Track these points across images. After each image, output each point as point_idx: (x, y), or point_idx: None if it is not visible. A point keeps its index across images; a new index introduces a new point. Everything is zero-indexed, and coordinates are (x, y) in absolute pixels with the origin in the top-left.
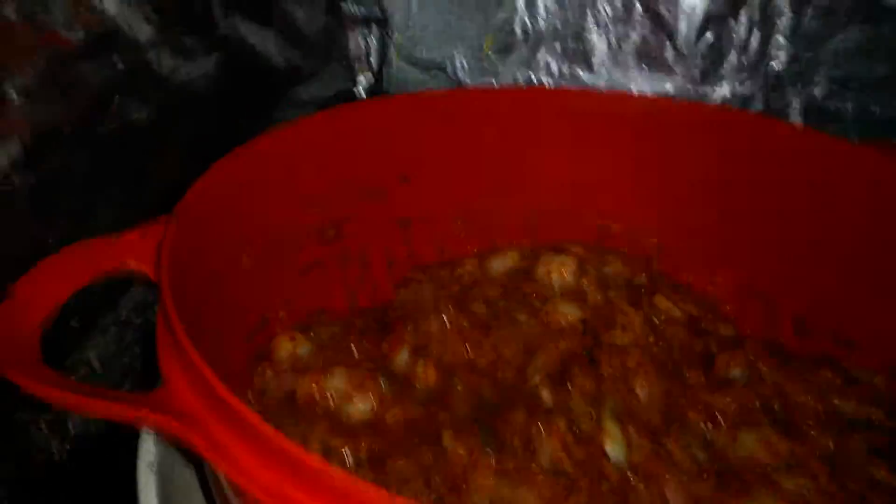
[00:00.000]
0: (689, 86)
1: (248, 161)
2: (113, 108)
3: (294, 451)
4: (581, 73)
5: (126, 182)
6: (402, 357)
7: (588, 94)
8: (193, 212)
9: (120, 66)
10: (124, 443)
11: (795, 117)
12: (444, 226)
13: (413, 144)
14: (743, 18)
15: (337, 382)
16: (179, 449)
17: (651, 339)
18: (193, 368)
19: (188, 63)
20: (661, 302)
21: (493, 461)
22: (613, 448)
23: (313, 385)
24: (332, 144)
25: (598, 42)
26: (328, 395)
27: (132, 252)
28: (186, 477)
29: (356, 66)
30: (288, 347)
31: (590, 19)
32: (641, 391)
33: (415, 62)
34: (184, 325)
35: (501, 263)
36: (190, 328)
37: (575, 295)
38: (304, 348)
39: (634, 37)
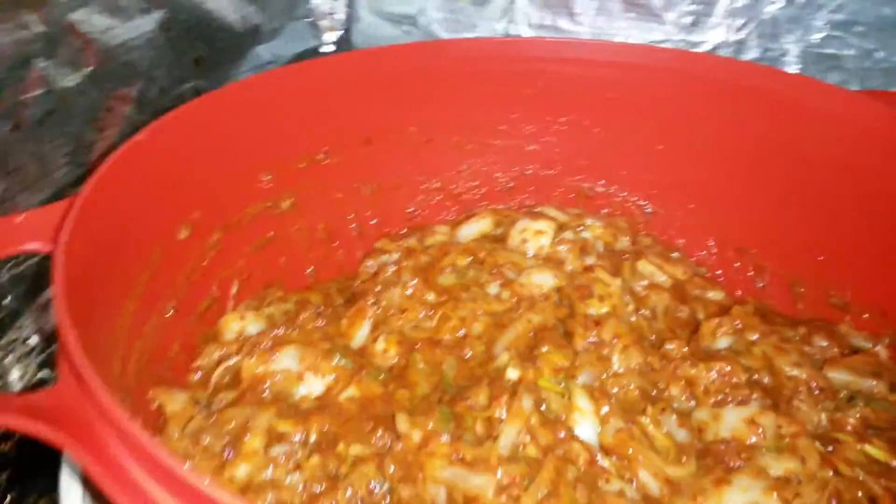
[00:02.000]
0: (680, 34)
1: (175, 129)
2: (33, 73)
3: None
4: (563, 23)
5: (61, 154)
6: (361, 332)
7: (569, 44)
8: (107, 186)
9: (39, 27)
10: None
11: (792, 65)
12: (415, 191)
13: (377, 104)
14: None
15: (287, 363)
16: None
17: (631, 308)
18: (78, 373)
19: (124, 23)
20: (645, 267)
21: (449, 448)
22: (583, 428)
23: (260, 367)
24: (282, 105)
25: None
26: (277, 376)
27: (33, 232)
28: None
29: (321, 22)
30: (235, 327)
31: None
32: (618, 365)
33: (385, 16)
34: (72, 319)
35: (474, 230)
36: (101, 312)
37: (550, 263)
38: (254, 326)
39: None
